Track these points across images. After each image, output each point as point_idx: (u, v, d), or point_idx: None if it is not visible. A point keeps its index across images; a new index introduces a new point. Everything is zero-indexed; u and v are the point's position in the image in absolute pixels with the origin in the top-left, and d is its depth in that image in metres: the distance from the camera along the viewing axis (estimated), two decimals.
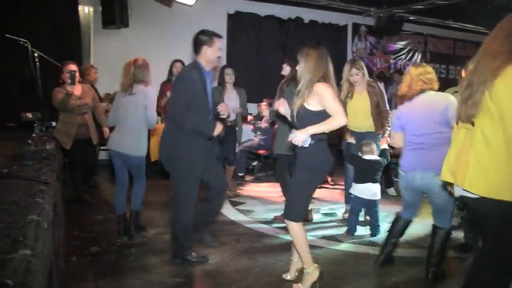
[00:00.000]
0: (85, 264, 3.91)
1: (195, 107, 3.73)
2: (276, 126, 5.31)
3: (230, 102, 5.77)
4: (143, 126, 4.52)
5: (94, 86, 6.40)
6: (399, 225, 3.95)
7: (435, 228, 3.76)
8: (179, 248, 3.94)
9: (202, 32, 3.85)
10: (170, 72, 6.19)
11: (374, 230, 4.84)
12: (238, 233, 4.84)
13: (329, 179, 7.34)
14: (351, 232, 4.84)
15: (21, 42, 5.14)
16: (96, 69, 6.67)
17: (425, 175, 3.53)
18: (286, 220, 3.41)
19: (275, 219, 5.25)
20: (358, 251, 4.39)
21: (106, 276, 3.65)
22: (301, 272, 3.53)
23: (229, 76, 6.16)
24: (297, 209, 3.38)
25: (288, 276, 3.68)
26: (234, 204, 6.02)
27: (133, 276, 3.68)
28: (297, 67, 3.37)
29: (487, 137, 2.31)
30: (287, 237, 4.69)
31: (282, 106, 3.43)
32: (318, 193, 6.12)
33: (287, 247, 4.43)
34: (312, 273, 3.41)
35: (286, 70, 5.20)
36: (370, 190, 4.84)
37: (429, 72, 3.66)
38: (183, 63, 6.14)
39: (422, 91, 3.62)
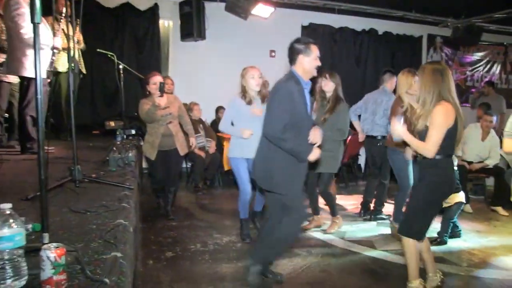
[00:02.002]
0: (161, 268, 4.05)
1: (294, 122, 3.39)
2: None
3: None
4: None
5: None
6: None
7: None
8: (262, 256, 3.77)
9: (298, 40, 3.54)
10: None
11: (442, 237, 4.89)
12: (310, 245, 4.85)
13: None
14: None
15: (109, 55, 5.45)
16: (171, 80, 6.80)
17: None
18: (402, 236, 3.48)
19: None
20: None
21: (181, 281, 3.77)
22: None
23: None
24: (415, 223, 3.44)
25: None
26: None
27: (207, 282, 3.77)
28: (413, 88, 3.43)
29: None
30: (359, 250, 4.69)
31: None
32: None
33: (360, 260, 4.42)
34: (415, 286, 3.50)
35: (329, 86, 5.10)
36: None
37: None
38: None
39: None
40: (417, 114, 3.32)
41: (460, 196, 4.88)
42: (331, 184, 5.45)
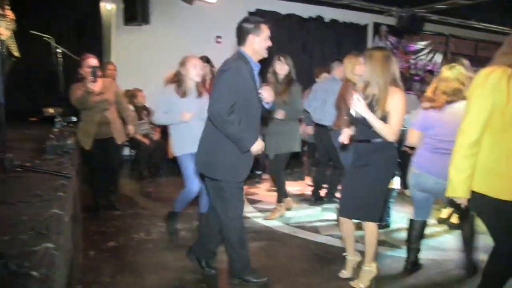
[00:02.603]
0: (103, 258, 3.94)
1: (242, 105, 3.20)
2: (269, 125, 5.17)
3: None
4: None
5: None
6: (416, 230, 3.86)
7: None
8: (236, 266, 3.54)
9: (247, 20, 3.34)
10: None
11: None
12: (255, 231, 4.85)
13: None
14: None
15: (45, 39, 5.20)
16: (114, 65, 6.59)
17: (439, 180, 3.44)
18: (368, 222, 3.51)
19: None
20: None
21: (124, 271, 3.68)
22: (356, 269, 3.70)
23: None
24: (377, 208, 3.51)
25: (346, 274, 3.71)
26: (252, 202, 6.03)
27: (150, 271, 3.71)
28: (357, 69, 3.44)
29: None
30: (304, 236, 4.73)
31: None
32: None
33: (305, 246, 4.45)
34: (374, 270, 3.59)
35: (284, 69, 5.12)
36: None
37: (455, 81, 3.49)
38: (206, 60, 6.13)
39: (448, 103, 3.50)
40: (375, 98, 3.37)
41: (395, 182, 4.96)
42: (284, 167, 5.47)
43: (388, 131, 3.29)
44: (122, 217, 5.08)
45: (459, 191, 2.51)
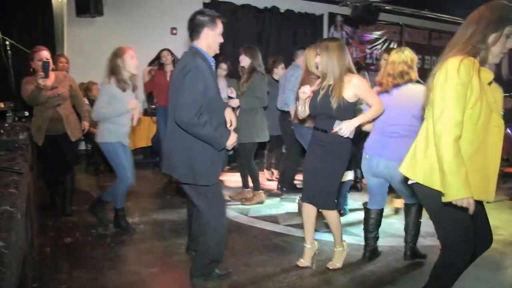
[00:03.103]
0: (60, 255, 3.89)
1: (207, 104, 3.05)
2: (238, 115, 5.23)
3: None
4: None
5: None
6: (372, 218, 3.94)
7: (407, 206, 3.91)
8: (202, 262, 3.42)
9: (202, 12, 3.17)
10: (154, 62, 6.24)
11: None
12: None
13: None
14: None
15: None
16: (66, 58, 6.37)
17: (390, 163, 3.56)
18: (327, 210, 3.62)
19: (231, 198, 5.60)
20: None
21: (81, 267, 3.64)
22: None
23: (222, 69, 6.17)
24: (334, 197, 3.62)
25: (304, 263, 3.77)
26: None
27: (108, 266, 3.67)
28: (317, 60, 3.47)
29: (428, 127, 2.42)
30: (263, 226, 4.77)
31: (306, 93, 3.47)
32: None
33: (264, 236, 4.49)
34: (345, 249, 3.77)
35: (245, 60, 5.26)
36: None
37: (401, 62, 3.57)
38: (170, 52, 6.15)
39: (397, 85, 3.59)
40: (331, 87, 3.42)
41: (350, 175, 5.07)
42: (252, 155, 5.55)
43: (376, 109, 3.41)
44: (79, 212, 4.98)
45: (463, 192, 2.19)
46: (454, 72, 2.23)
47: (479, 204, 2.40)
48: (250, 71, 5.25)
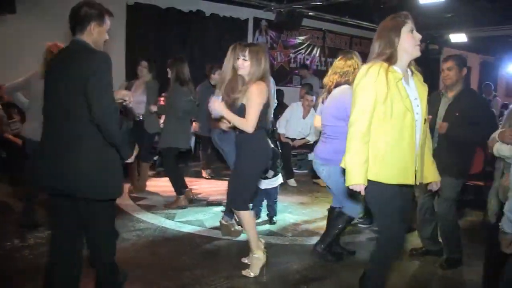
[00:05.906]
0: None
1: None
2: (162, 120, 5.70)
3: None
4: None
5: None
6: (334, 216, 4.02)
7: (331, 208, 4.08)
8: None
9: (89, 4, 2.76)
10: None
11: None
12: (139, 228, 4.72)
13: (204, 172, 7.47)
14: None
15: None
16: None
17: (316, 161, 3.82)
18: (237, 211, 3.63)
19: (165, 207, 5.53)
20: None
21: None
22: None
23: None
24: (244, 197, 3.60)
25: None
26: (135, 199, 5.84)
27: (26, 280, 3.48)
28: (241, 63, 3.46)
29: None
30: (190, 230, 4.70)
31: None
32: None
33: (190, 240, 4.41)
34: (261, 257, 3.66)
35: (169, 73, 5.56)
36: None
37: (349, 65, 3.74)
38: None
39: (337, 84, 3.72)
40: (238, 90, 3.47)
41: (278, 179, 5.08)
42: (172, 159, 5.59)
43: (244, 124, 3.41)
44: None
45: (356, 178, 2.60)
46: (362, 76, 2.66)
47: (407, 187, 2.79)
48: (173, 81, 5.54)
